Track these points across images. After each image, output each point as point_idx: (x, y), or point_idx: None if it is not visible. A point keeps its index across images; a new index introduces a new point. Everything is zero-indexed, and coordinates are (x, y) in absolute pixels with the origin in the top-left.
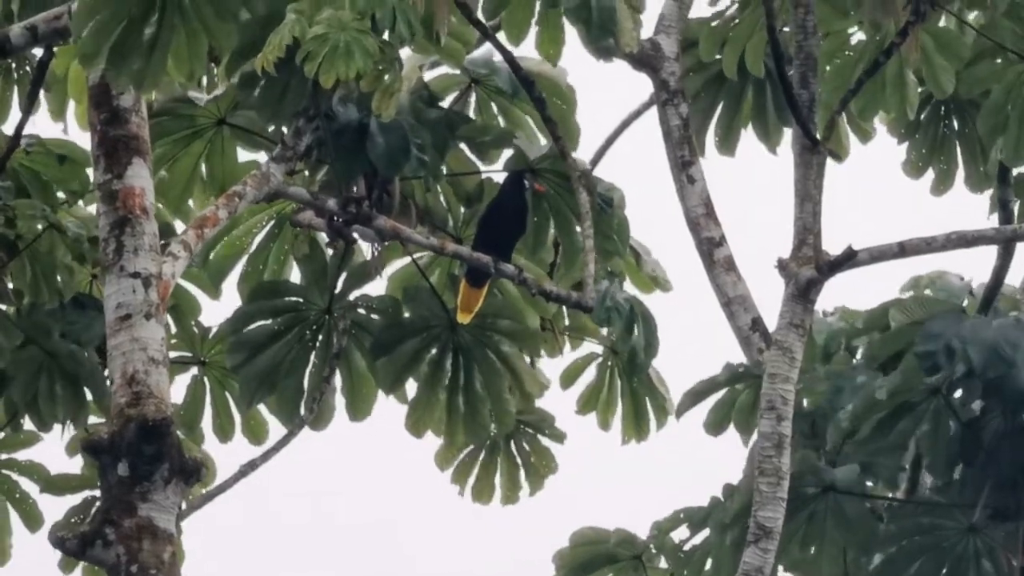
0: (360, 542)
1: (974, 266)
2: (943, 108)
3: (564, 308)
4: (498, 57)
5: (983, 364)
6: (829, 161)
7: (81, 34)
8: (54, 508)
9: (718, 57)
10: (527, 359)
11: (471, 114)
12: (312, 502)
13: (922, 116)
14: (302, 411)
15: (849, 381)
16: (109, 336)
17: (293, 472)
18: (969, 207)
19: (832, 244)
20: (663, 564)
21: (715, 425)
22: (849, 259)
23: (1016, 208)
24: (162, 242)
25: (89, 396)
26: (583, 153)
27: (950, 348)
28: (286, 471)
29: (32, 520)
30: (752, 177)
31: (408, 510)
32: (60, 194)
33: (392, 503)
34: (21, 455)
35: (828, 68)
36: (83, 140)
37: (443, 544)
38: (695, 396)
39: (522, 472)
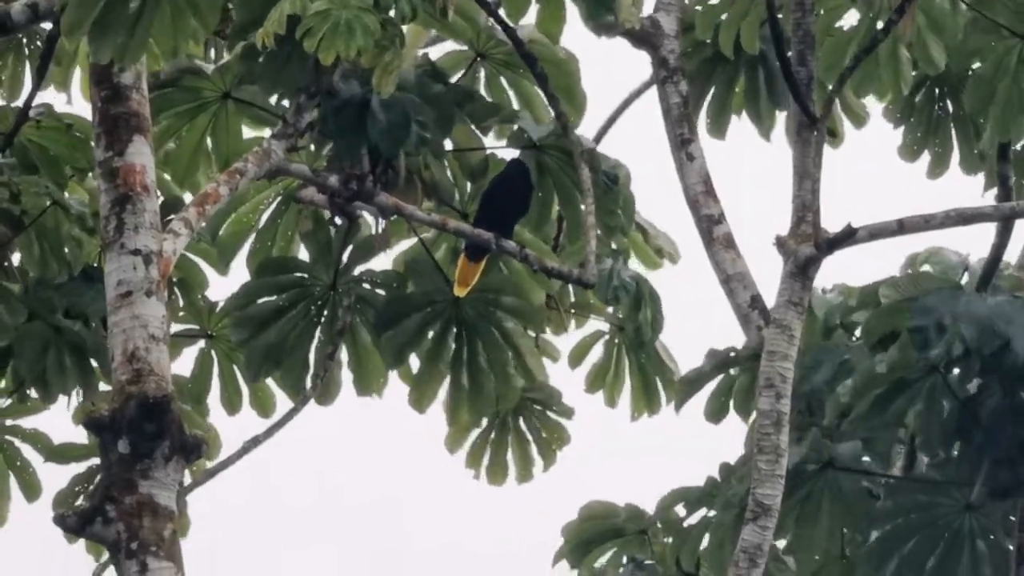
0: (365, 520)
1: (973, 244)
2: (937, 91)
3: (569, 286)
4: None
5: (977, 340)
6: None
7: (65, 4)
8: (58, 477)
9: (708, 41)
10: (531, 336)
11: (480, 89)
12: (317, 479)
13: (916, 99)
14: (307, 386)
15: (835, 355)
16: (110, 313)
17: (298, 448)
18: (964, 189)
19: (829, 225)
20: (669, 539)
21: (715, 413)
22: (848, 236)
23: (1014, 184)
24: (170, 217)
25: (96, 366)
26: (586, 131)
27: (941, 324)
28: (291, 447)
29: (31, 489)
30: (752, 155)
31: (412, 488)
32: (69, 169)
33: (397, 480)
34: (26, 423)
35: (823, 46)
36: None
37: (447, 523)
38: (689, 385)
39: (534, 448)
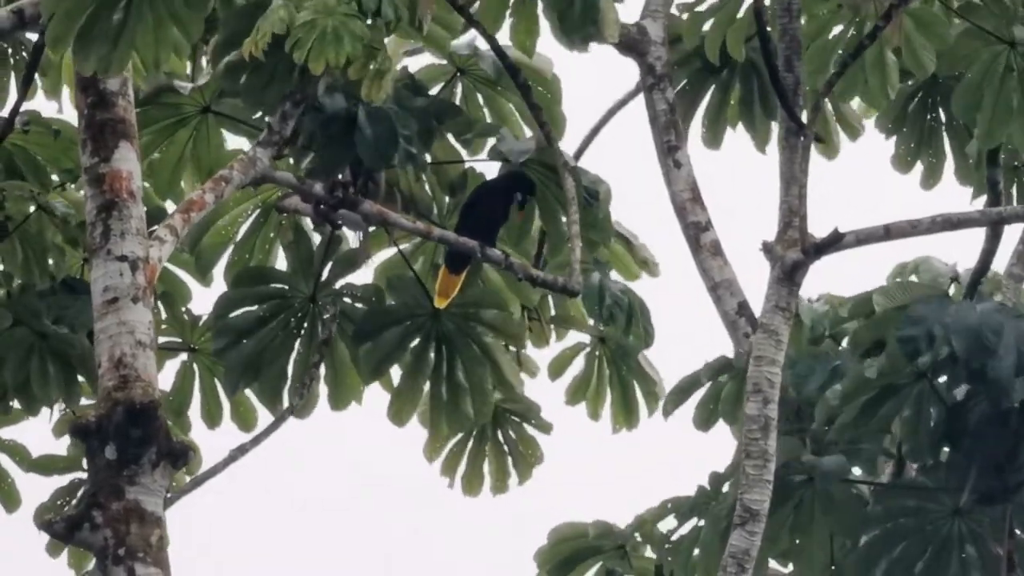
0: (343, 527)
1: (963, 251)
2: (930, 100)
3: (550, 298)
4: (483, 44)
5: (965, 351)
6: (819, 156)
7: (51, 16)
8: (40, 491)
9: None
10: (509, 349)
11: (456, 103)
12: (303, 483)
13: (908, 109)
14: (286, 398)
15: (826, 362)
16: (96, 319)
17: (279, 455)
18: (960, 202)
19: (817, 232)
20: (648, 553)
21: (703, 421)
22: (835, 241)
23: (1003, 189)
24: (154, 227)
25: (81, 378)
26: (570, 142)
27: (931, 334)
28: (274, 454)
29: (10, 500)
30: (739, 162)
31: (390, 501)
32: (55, 176)
33: (374, 492)
34: (6, 434)
35: (809, 51)
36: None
37: (426, 537)
38: (680, 394)
39: (510, 460)
